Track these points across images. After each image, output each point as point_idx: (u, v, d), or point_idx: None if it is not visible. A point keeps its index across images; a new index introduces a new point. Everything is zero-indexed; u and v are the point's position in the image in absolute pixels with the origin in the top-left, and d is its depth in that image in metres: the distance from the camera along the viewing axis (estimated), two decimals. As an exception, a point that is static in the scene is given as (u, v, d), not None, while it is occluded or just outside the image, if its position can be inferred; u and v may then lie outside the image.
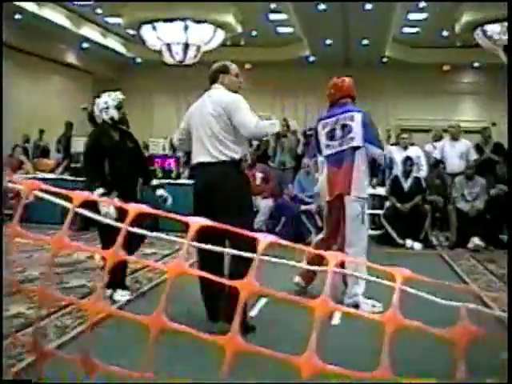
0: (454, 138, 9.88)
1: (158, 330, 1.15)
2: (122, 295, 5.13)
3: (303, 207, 8.83)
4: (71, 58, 15.83)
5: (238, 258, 3.68)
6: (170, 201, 5.33)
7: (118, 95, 5.51)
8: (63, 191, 1.76)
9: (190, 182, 9.88)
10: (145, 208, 1.25)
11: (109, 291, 5.09)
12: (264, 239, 1.19)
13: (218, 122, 4.30)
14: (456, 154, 9.70)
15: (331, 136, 5.12)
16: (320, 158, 5.27)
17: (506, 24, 11.78)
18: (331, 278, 1.19)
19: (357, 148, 5.06)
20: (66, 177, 10.62)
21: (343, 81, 5.26)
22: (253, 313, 4.59)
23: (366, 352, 3.70)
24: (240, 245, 2.61)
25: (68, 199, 1.72)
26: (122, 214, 1.86)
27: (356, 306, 4.94)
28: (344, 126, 5.07)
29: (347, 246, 4.98)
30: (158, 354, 1.33)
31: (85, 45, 15.07)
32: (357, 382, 1.25)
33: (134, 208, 1.31)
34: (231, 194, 4.30)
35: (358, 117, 5.08)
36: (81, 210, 1.75)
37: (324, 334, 3.97)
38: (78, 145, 11.36)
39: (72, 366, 1.51)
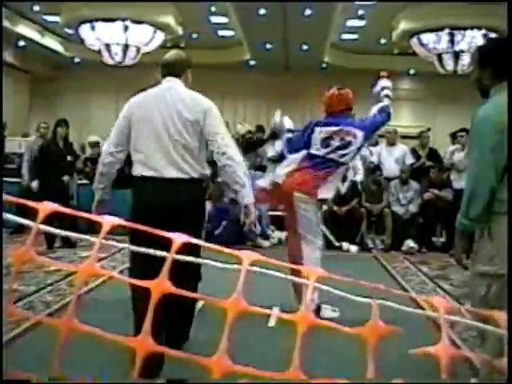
0: (391, 144, 10.10)
1: (68, 332, 1.13)
2: None
3: (245, 212, 8.84)
4: (7, 57, 15.44)
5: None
6: None
7: None
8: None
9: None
10: (56, 207, 1.23)
11: None
12: (177, 239, 1.20)
13: (194, 129, 3.52)
14: (393, 158, 9.91)
15: (326, 144, 4.96)
16: (297, 155, 5.01)
17: (440, 33, 12.15)
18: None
19: (342, 164, 5.04)
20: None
21: (347, 92, 5.19)
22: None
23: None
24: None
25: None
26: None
27: (318, 309, 4.91)
28: (343, 139, 4.97)
29: (304, 241, 4.92)
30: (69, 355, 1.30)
31: (21, 43, 14.72)
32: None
33: (44, 207, 1.28)
34: (197, 218, 3.68)
35: (360, 136, 5.01)
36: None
37: (259, 334, 4.00)
38: (12, 145, 11.10)
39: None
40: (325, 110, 5.22)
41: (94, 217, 1.24)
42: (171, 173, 3.47)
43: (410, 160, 9.81)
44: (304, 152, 5.00)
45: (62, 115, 9.98)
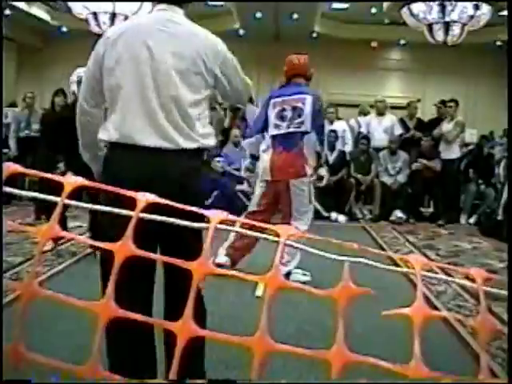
0: (380, 113, 10.09)
1: (29, 297, 1.11)
2: None
3: (239, 187, 8.81)
4: (-8, 25, 15.21)
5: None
6: None
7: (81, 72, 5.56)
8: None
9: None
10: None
11: None
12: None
13: (198, 81, 2.41)
14: (382, 128, 9.91)
15: (281, 116, 5.02)
16: (266, 136, 5.21)
17: (431, 4, 12.04)
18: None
19: (305, 133, 5.03)
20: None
21: (299, 59, 5.15)
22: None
23: (287, 322, 3.82)
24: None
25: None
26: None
27: (288, 274, 4.98)
28: (295, 108, 4.99)
29: (294, 219, 4.99)
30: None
31: (7, 11, 14.48)
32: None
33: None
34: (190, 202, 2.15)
35: (308, 100, 4.99)
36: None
37: (245, 304, 4.01)
38: (-1, 115, 11.00)
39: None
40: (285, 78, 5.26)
41: (55, 177, 1.21)
42: (153, 140, 2.35)
43: (398, 130, 9.81)
44: (267, 138, 5.17)
45: (48, 85, 9.87)
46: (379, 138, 9.86)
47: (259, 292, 4.45)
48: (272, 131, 5.08)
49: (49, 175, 1.25)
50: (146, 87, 2.36)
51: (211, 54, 2.44)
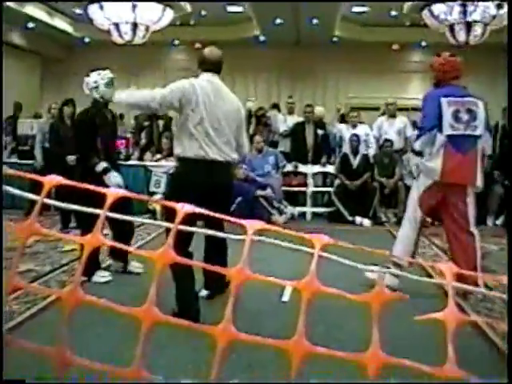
0: (392, 115, 10.08)
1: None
2: (102, 276, 5.17)
3: (260, 192, 8.82)
4: (16, 39, 15.40)
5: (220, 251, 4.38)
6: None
7: (108, 73, 5.56)
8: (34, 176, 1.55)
9: (138, 163, 9.88)
10: (61, 180, 1.23)
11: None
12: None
13: (237, 122, 4.31)
14: (394, 130, 9.90)
15: (456, 117, 4.89)
16: (440, 136, 4.89)
17: (451, 4, 11.99)
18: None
19: (478, 137, 4.96)
20: (14, 160, 10.36)
21: (456, 59, 5.11)
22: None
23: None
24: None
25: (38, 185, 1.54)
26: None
27: None
28: (470, 111, 4.91)
29: (472, 226, 4.91)
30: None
31: (30, 24, 14.68)
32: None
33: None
34: (230, 197, 4.64)
35: (481, 105, 4.98)
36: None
37: (272, 310, 4.03)
38: (25, 127, 11.16)
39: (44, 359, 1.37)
40: (436, 79, 5.17)
41: (97, 189, 1.24)
42: (219, 156, 4.13)
43: (410, 132, 9.83)
44: (441, 137, 4.89)
45: (73, 95, 9.96)
46: (392, 140, 9.85)
47: (286, 297, 4.46)
48: (448, 131, 4.89)
49: (91, 186, 1.30)
50: (219, 130, 4.14)
51: (242, 116, 4.44)
